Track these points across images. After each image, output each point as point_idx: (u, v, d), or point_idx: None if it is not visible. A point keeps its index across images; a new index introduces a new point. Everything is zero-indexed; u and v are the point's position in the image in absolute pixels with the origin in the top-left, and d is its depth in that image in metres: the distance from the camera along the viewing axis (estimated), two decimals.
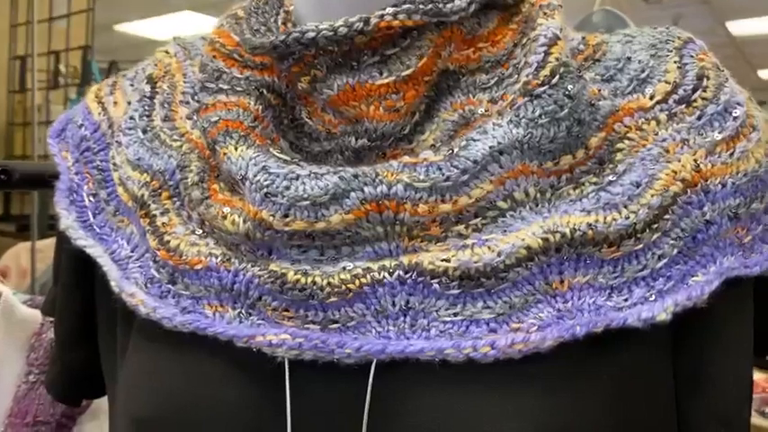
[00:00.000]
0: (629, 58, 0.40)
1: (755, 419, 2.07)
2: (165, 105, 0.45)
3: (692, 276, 0.36)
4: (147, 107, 0.45)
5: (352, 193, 0.35)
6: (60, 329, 0.52)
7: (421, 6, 0.37)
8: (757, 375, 2.26)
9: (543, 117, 0.36)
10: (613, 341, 0.35)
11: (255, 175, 0.36)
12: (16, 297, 0.84)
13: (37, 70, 2.28)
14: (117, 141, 0.45)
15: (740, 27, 5.03)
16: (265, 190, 0.35)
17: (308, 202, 0.35)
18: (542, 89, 0.36)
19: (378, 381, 0.35)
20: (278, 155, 0.37)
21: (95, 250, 0.43)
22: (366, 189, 0.35)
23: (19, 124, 2.86)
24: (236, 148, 0.37)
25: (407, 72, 0.37)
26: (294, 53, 0.37)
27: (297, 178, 0.35)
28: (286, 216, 0.35)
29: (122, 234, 0.44)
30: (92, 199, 0.46)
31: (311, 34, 0.36)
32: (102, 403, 0.52)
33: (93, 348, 0.49)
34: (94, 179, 0.46)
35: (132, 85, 0.48)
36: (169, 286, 0.39)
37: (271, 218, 0.35)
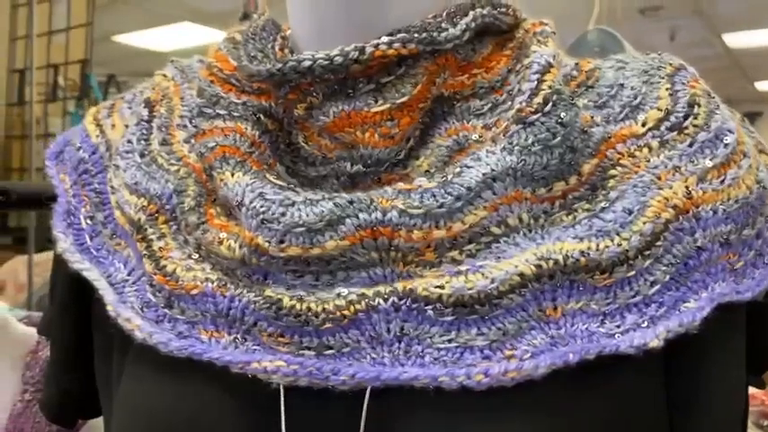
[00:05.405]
0: (621, 85, 0.41)
1: None
2: (163, 129, 0.45)
3: (684, 302, 0.36)
4: (144, 131, 0.45)
5: (348, 220, 0.35)
6: (55, 351, 0.52)
7: (416, 35, 0.37)
8: (756, 389, 2.25)
9: (536, 144, 0.36)
10: (606, 367, 0.35)
11: (252, 202, 0.36)
12: (12, 314, 0.83)
13: (35, 83, 2.29)
14: (114, 165, 0.45)
15: (736, 39, 5.07)
16: (261, 216, 0.36)
17: (303, 229, 0.35)
18: (535, 117, 0.37)
19: (372, 406, 0.36)
20: (274, 180, 0.37)
21: (92, 273, 0.43)
22: (361, 215, 0.35)
23: (17, 137, 2.87)
24: (232, 174, 0.38)
25: (403, 99, 0.38)
26: (291, 81, 0.38)
27: (292, 204, 0.36)
28: (281, 242, 0.35)
29: (119, 257, 0.44)
30: (89, 222, 0.46)
31: (307, 63, 0.37)
32: (98, 421, 0.52)
33: (88, 371, 0.48)
34: (92, 201, 0.46)
35: (130, 108, 0.49)
36: (165, 311, 0.40)
37: (266, 244, 0.36)
